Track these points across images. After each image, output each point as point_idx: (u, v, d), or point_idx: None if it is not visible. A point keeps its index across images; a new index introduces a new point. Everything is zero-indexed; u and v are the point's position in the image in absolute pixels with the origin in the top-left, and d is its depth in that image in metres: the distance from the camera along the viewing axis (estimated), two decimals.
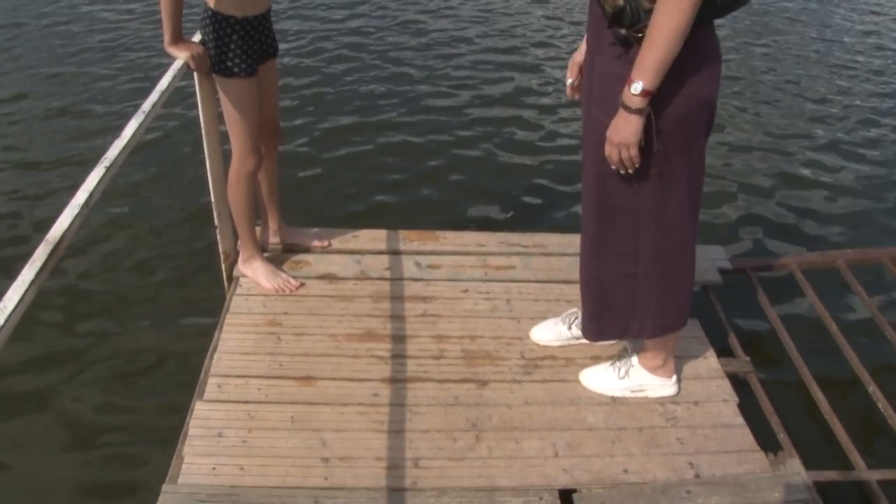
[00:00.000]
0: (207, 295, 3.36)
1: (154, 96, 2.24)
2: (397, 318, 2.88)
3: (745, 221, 4.29)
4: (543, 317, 2.86)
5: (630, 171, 2.02)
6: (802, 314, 3.36)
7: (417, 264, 3.16)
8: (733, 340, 2.92)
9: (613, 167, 2.03)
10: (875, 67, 6.46)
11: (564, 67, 2.43)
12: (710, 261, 3.23)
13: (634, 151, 1.96)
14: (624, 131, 1.94)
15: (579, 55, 2.34)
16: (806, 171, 4.80)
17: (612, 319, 2.43)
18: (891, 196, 4.59)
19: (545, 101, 5.52)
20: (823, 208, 4.44)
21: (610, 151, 2.00)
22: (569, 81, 2.41)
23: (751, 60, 6.43)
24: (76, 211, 1.70)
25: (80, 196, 1.75)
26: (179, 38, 2.49)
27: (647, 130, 1.95)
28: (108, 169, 1.88)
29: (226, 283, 3.10)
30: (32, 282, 1.47)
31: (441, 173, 4.56)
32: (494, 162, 4.72)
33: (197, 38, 2.60)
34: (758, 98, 5.77)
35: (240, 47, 2.53)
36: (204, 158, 2.83)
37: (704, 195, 2.31)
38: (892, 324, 3.00)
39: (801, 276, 3.26)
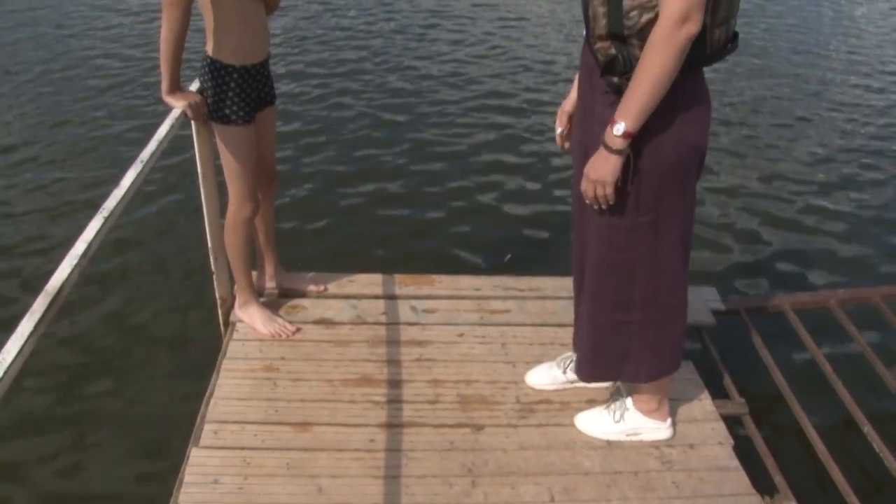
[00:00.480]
0: (204, 340, 3.38)
1: (152, 146, 2.28)
2: (393, 362, 2.89)
3: (738, 263, 4.33)
4: (539, 360, 2.87)
5: (604, 206, 2.06)
6: (796, 355, 3.38)
7: (413, 308, 3.18)
8: (727, 382, 2.93)
9: (587, 202, 2.08)
10: (873, 109, 6.55)
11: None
12: (704, 302, 3.26)
13: (610, 190, 2.00)
14: (602, 170, 1.98)
15: (568, 104, 2.39)
16: (798, 214, 4.85)
17: (607, 365, 2.44)
18: (882, 239, 4.63)
19: (540, 148, 5.57)
20: (816, 251, 4.48)
21: (586, 187, 2.05)
22: (558, 131, 2.45)
23: (743, 103, 6.52)
24: (75, 261, 1.72)
25: (79, 247, 1.78)
26: (177, 87, 2.53)
27: (625, 172, 1.99)
28: (106, 219, 1.91)
29: (222, 329, 3.11)
30: (31, 333, 1.48)
31: (438, 221, 4.59)
32: (492, 209, 4.75)
33: (195, 85, 2.65)
34: (750, 142, 5.84)
35: (238, 95, 2.58)
36: (201, 204, 2.86)
37: (697, 237, 2.34)
38: (885, 363, 3.01)
39: (794, 316, 3.28)
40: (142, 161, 2.19)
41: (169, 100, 2.53)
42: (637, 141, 1.95)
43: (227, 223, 2.84)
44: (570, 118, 2.40)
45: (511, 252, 4.29)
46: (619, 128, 1.90)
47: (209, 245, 2.95)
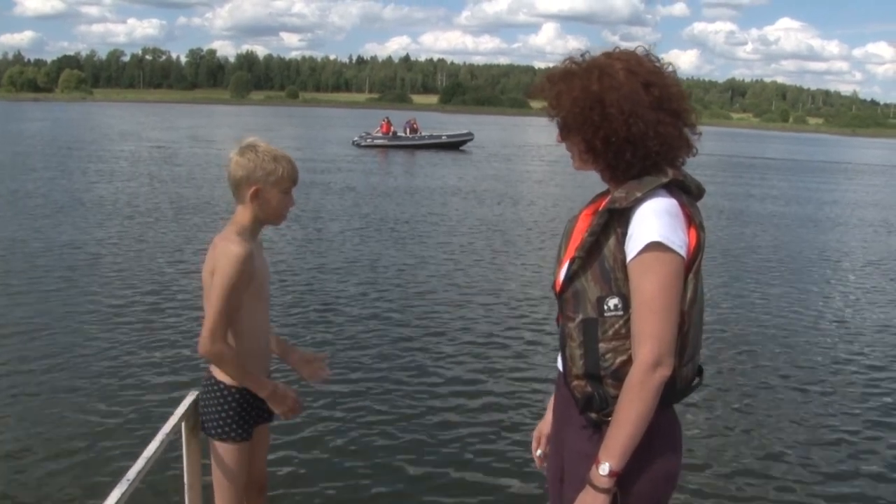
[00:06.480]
0: None
1: (140, 463, 2.26)
2: None
3: None
4: None
5: None
6: None
7: None
8: None
9: None
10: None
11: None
12: None
13: None
14: None
15: (545, 426, 2.44)
16: None
17: None
18: None
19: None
20: None
21: None
22: (538, 453, 2.48)
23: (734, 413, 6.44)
24: None
25: None
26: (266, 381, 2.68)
27: None
28: None
29: None
30: None
31: None
32: None
33: (191, 398, 2.71)
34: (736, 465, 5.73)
35: (237, 413, 2.65)
36: None
37: None
38: None
39: None
40: (128, 480, 2.16)
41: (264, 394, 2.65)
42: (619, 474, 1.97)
43: None
44: (548, 438, 2.43)
45: None
46: (605, 468, 1.94)
47: None
